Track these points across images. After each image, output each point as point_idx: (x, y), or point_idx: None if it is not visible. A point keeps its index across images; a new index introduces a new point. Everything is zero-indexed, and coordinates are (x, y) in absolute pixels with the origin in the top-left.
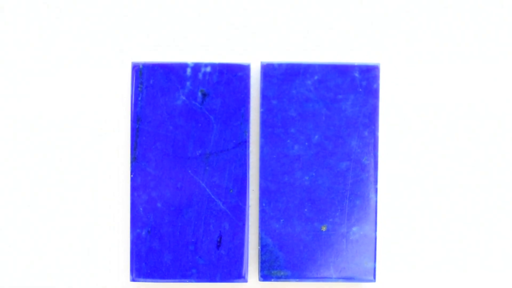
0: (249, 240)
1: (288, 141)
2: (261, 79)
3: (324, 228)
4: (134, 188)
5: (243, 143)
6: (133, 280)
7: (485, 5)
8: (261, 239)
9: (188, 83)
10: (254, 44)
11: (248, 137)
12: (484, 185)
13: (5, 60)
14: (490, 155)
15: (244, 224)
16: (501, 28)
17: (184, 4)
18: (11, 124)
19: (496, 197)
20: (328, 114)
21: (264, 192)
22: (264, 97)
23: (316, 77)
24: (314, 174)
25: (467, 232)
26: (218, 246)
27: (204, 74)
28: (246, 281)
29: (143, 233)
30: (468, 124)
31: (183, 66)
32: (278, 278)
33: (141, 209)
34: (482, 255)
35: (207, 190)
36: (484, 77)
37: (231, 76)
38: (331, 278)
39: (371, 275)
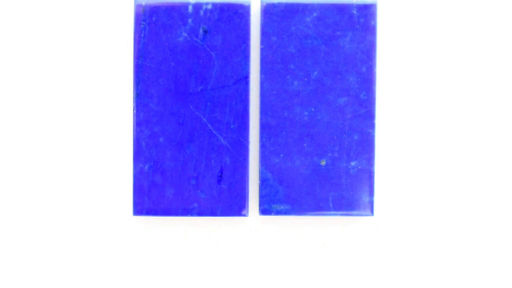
0: (250, 175)
1: (288, 77)
2: (261, 17)
3: (323, 163)
4: (137, 123)
5: (244, 79)
6: (135, 214)
7: None
8: (261, 173)
9: (189, 20)
10: None
11: (249, 73)
12: (483, 133)
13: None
14: (487, 96)
15: (245, 159)
16: None
17: None
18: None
19: (493, 144)
20: (326, 51)
21: (264, 128)
22: (264, 34)
23: (315, 14)
24: (313, 109)
25: (466, 168)
26: (219, 181)
27: (206, 11)
28: (246, 215)
29: (146, 167)
30: (464, 63)
31: (184, 4)
32: (278, 212)
33: (143, 144)
34: (481, 191)
35: (208, 125)
36: (481, 17)
37: (232, 14)
38: (330, 212)
39: (369, 210)
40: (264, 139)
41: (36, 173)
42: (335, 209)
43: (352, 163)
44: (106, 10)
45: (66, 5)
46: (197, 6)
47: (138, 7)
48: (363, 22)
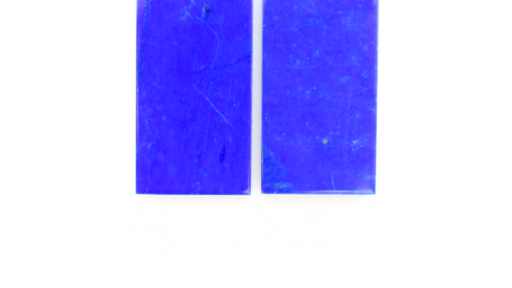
0: (252, 153)
1: (290, 56)
2: None
3: (325, 141)
4: (140, 102)
5: (246, 58)
6: (138, 193)
7: None
8: (263, 152)
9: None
10: None
11: (251, 52)
12: (483, 109)
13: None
14: (489, 87)
15: (247, 138)
16: None
17: None
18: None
19: (496, 142)
20: (328, 30)
21: (266, 106)
22: (266, 13)
23: None
24: (315, 88)
25: (468, 147)
26: (222, 159)
27: None
28: (249, 194)
29: (149, 146)
30: (466, 40)
31: None
32: (280, 190)
33: (146, 122)
34: (483, 169)
35: (211, 104)
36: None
37: None
38: (331, 190)
39: (371, 188)
40: (266, 118)
41: (39, 154)
42: (337, 188)
43: (354, 142)
44: None
45: None
46: None
47: None
48: (364, 1)
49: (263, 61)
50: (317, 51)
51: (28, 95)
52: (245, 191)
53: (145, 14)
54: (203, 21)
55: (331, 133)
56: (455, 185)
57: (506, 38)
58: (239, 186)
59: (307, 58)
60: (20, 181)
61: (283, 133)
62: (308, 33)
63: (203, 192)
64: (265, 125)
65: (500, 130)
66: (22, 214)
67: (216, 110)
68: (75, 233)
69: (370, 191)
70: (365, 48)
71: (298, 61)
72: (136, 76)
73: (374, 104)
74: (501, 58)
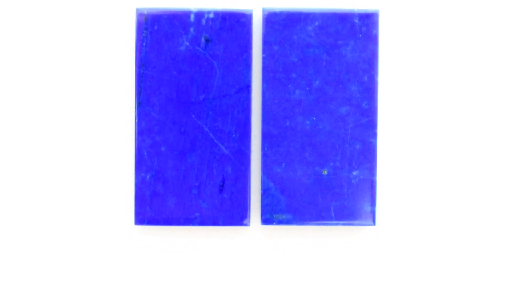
0: (251, 184)
1: (290, 86)
2: (263, 26)
3: (325, 172)
4: (138, 133)
5: (246, 88)
6: (137, 224)
7: None
8: (263, 183)
9: (191, 29)
10: None
11: (250, 82)
12: (481, 134)
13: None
14: (487, 105)
15: (246, 168)
16: None
17: None
18: (8, 73)
19: (494, 148)
20: (328, 60)
21: (266, 137)
22: (266, 43)
23: (316, 23)
24: (315, 118)
25: (467, 176)
26: (221, 190)
27: (207, 20)
28: (248, 225)
29: (147, 177)
30: (466, 71)
31: (186, 13)
32: (280, 222)
33: (145, 153)
34: (482, 197)
35: (210, 134)
36: (485, 25)
37: (234, 23)
38: (331, 222)
39: (371, 219)
40: (266, 148)
41: (38, 182)
42: (337, 219)
43: (354, 173)
44: (108, 19)
45: (68, 12)
46: (199, 15)
47: (140, 15)
48: (365, 31)
49: (262, 91)
50: (317, 81)
51: (29, 124)
52: (245, 222)
53: (144, 44)
54: (202, 51)
55: (331, 164)
56: (457, 218)
57: (504, 69)
58: (238, 217)
59: (307, 88)
60: (19, 213)
61: (283, 164)
62: (308, 63)
63: (202, 223)
64: (264, 155)
65: (500, 160)
66: (21, 247)
67: (216, 141)
68: (73, 264)
69: (371, 222)
70: (365, 78)
71: (298, 91)
72: (135, 107)
73: (374, 135)
74: (500, 93)
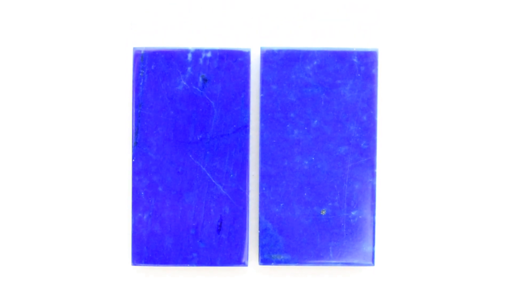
0: (249, 224)
1: (288, 125)
2: (261, 65)
3: (323, 212)
4: (135, 173)
5: (243, 128)
6: (134, 264)
7: None
8: (261, 223)
9: (189, 69)
10: (254, 29)
11: (248, 121)
12: (482, 168)
13: (5, 45)
14: (488, 140)
15: (244, 208)
16: (500, 19)
17: None
18: (10, 113)
19: (495, 180)
20: (327, 99)
21: (264, 177)
22: (264, 82)
23: (315, 63)
24: (313, 158)
25: (465, 216)
26: (218, 230)
27: (205, 59)
28: (246, 265)
29: (145, 217)
30: (466, 110)
31: (184, 52)
32: (278, 262)
33: (142, 193)
34: (480, 239)
35: (208, 174)
36: (483, 64)
37: (231, 62)
38: (330, 262)
39: (370, 260)
40: (264, 188)
41: (37, 224)
42: (335, 259)
43: (353, 213)
44: (105, 58)
45: (66, 51)
46: (197, 54)
47: (137, 54)
48: (364, 70)
49: (260, 130)
50: (316, 121)
51: (28, 164)
52: (242, 263)
53: (141, 83)
54: (200, 91)
55: (330, 204)
56: (458, 260)
57: (503, 104)
58: (236, 257)
59: (305, 128)
60: (17, 257)
61: (281, 204)
62: (306, 103)
63: (200, 263)
64: (262, 195)
65: (497, 190)
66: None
67: (213, 181)
68: None
69: (370, 262)
70: (364, 118)
71: (296, 131)
72: (132, 146)
73: (373, 175)
74: (499, 128)
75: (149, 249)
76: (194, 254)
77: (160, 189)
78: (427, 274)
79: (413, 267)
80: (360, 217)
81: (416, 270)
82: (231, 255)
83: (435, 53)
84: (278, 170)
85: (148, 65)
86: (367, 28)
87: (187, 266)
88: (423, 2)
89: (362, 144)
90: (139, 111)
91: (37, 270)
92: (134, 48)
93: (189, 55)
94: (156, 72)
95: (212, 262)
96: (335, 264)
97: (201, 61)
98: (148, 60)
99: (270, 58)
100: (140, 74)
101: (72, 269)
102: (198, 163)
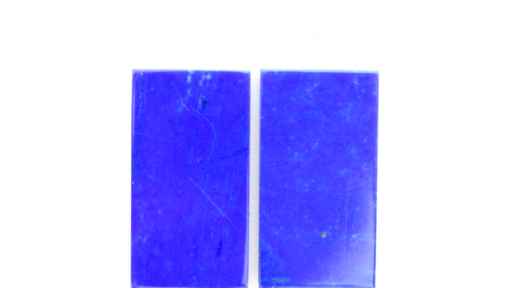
0: (249, 247)
1: (288, 148)
2: (261, 87)
3: (323, 235)
4: (134, 195)
5: (243, 150)
6: (133, 287)
7: (482, 15)
8: (261, 246)
9: (188, 91)
10: (254, 52)
11: (248, 144)
12: (483, 192)
13: (7, 66)
14: (488, 163)
15: (244, 231)
16: (500, 38)
17: (184, 12)
18: (12, 132)
19: (496, 201)
20: (327, 122)
21: (264, 199)
22: (264, 105)
23: (315, 85)
24: (313, 181)
25: (467, 239)
26: (218, 253)
27: (205, 81)
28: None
29: (144, 240)
30: (467, 133)
31: (183, 74)
32: (278, 285)
33: (141, 216)
34: (482, 266)
35: (208, 197)
36: (483, 84)
37: (231, 84)
38: (331, 285)
39: (371, 282)
40: (264, 211)
41: (37, 248)
42: (336, 282)
43: (353, 236)
44: (104, 80)
45: (66, 74)
46: (196, 76)
47: (136, 76)
48: (364, 92)
49: (260, 153)
50: (316, 144)
51: (29, 192)
52: (242, 285)
53: (140, 106)
54: (199, 113)
55: (330, 226)
56: (459, 283)
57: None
58: (236, 280)
59: (306, 150)
60: (17, 277)
61: (281, 227)
62: (306, 125)
63: (199, 286)
64: (262, 218)
65: (495, 187)
66: None
67: (213, 203)
68: None
69: (370, 285)
70: (365, 140)
71: (296, 154)
72: (131, 169)
73: (374, 198)
74: (500, 143)
75: (148, 271)
76: (194, 277)
77: (159, 211)
78: None
79: None
80: (360, 240)
81: None
82: (231, 278)
83: (436, 76)
84: (278, 193)
85: (148, 87)
86: (367, 50)
87: None
88: (424, 25)
89: (362, 167)
90: (138, 133)
91: None
92: (133, 70)
93: (189, 77)
94: (155, 94)
95: (212, 285)
96: (336, 287)
97: (200, 83)
98: (148, 82)
99: (270, 80)
100: (140, 96)
101: None
102: (198, 185)
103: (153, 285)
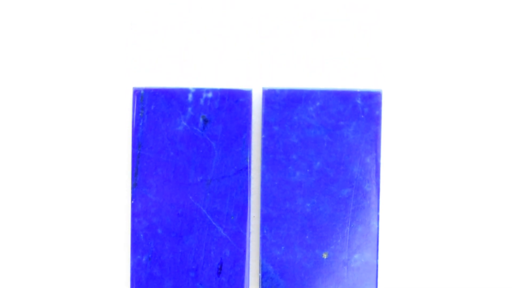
0: (250, 267)
1: (290, 167)
2: (262, 105)
3: (325, 256)
4: (134, 214)
5: (244, 169)
6: None
7: (485, 33)
8: (262, 266)
9: (189, 109)
10: (256, 70)
11: (250, 163)
12: (487, 215)
13: (6, 80)
14: (493, 184)
15: (245, 251)
16: (505, 56)
17: (185, 30)
18: (12, 149)
19: (497, 209)
20: (330, 141)
21: (265, 219)
22: (266, 123)
23: (318, 104)
24: (315, 201)
25: (471, 262)
26: (218, 273)
27: (206, 99)
28: None
29: (144, 259)
30: (470, 150)
31: (184, 92)
32: None
33: (141, 235)
34: (488, 282)
35: (208, 216)
36: (488, 104)
37: (233, 102)
38: None
39: None
40: (265, 231)
41: (37, 267)
42: None
43: (355, 256)
44: (104, 98)
45: (66, 91)
46: (197, 94)
47: (136, 94)
48: (367, 111)
49: (262, 172)
50: (318, 163)
51: (28, 207)
52: None
53: (140, 124)
54: (200, 131)
55: (332, 247)
56: None
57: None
58: None
59: (308, 170)
60: (16, 278)
61: (282, 247)
62: (308, 144)
63: None
64: (263, 238)
65: (497, 199)
66: None
67: (213, 223)
68: None
69: None
70: (368, 160)
71: (298, 173)
72: (131, 188)
73: (376, 218)
74: (501, 153)
75: None
76: None
77: (159, 231)
78: None
79: None
80: (362, 260)
81: None
82: None
83: (440, 95)
84: (279, 213)
85: (148, 105)
86: (371, 69)
87: None
88: (428, 44)
89: (365, 187)
90: (138, 151)
91: None
92: (133, 88)
93: (190, 95)
94: (156, 112)
95: None
96: None
97: (202, 101)
98: (148, 99)
99: (272, 98)
100: (140, 114)
101: None
102: (198, 205)
103: None
